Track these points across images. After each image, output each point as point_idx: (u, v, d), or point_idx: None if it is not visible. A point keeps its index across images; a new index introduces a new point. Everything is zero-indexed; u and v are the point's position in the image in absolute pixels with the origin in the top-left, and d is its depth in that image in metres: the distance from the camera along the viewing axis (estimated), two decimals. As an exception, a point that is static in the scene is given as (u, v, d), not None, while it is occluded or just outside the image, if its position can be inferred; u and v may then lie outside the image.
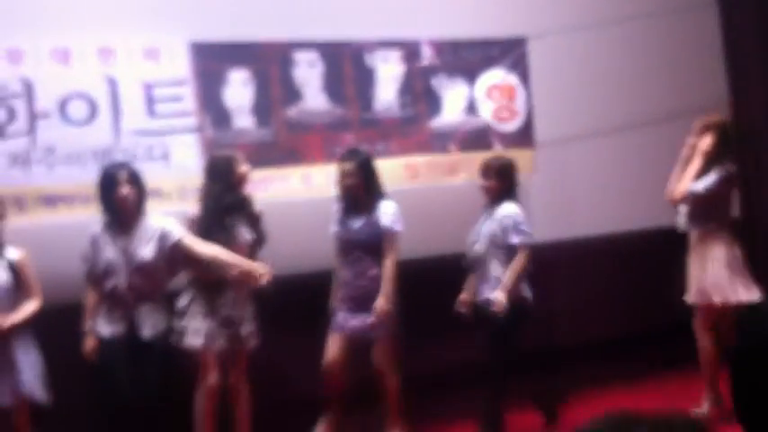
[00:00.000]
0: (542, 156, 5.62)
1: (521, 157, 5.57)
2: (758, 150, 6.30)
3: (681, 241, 4.93)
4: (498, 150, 5.55)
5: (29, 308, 4.22)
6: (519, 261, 4.68)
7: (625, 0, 6.12)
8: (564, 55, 5.90)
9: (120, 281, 4.22)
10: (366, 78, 5.35)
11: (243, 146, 4.96)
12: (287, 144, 5.09)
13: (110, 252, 4.22)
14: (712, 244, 4.78)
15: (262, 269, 4.26)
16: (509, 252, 4.71)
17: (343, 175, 4.72)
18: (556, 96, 5.79)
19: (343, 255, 4.76)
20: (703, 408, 4.82)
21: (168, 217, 4.37)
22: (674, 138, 5.99)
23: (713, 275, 4.75)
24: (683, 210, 4.87)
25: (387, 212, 4.71)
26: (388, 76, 5.41)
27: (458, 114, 5.56)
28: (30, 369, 4.18)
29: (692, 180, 4.74)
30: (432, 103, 5.50)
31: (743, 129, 6.12)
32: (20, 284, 4.23)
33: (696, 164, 4.77)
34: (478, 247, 4.77)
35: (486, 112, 5.62)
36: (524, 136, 5.69)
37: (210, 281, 4.40)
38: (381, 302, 4.62)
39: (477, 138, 5.55)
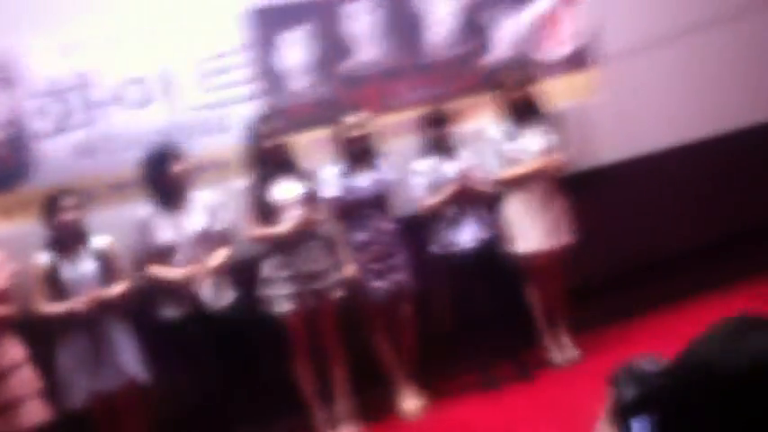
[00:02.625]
0: (605, 74, 5.47)
1: (574, 82, 5.51)
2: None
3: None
4: (551, 79, 5.42)
5: (118, 288, 4.26)
6: None
7: None
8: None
9: (181, 258, 4.29)
10: (415, 23, 5.24)
11: (301, 106, 4.98)
12: (345, 100, 5.02)
13: (165, 232, 4.30)
14: (551, 195, 4.91)
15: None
16: None
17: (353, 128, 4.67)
18: (611, 12, 5.59)
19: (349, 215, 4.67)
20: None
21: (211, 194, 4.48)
22: (737, 36, 5.80)
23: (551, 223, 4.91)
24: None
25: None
26: (436, 17, 5.28)
27: (507, 49, 5.40)
28: (129, 350, 4.25)
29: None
30: (481, 40, 5.36)
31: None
32: (109, 272, 4.28)
33: None
34: None
35: (534, 44, 5.46)
36: (575, 61, 5.51)
37: (285, 242, 4.40)
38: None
39: (530, 69, 5.30)
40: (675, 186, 5.63)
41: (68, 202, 4.23)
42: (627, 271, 5.34)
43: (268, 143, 4.49)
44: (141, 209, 4.37)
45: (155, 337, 4.32)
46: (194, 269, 4.27)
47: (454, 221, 4.79)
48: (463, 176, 4.73)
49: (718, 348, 1.15)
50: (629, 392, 1.54)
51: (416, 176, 4.81)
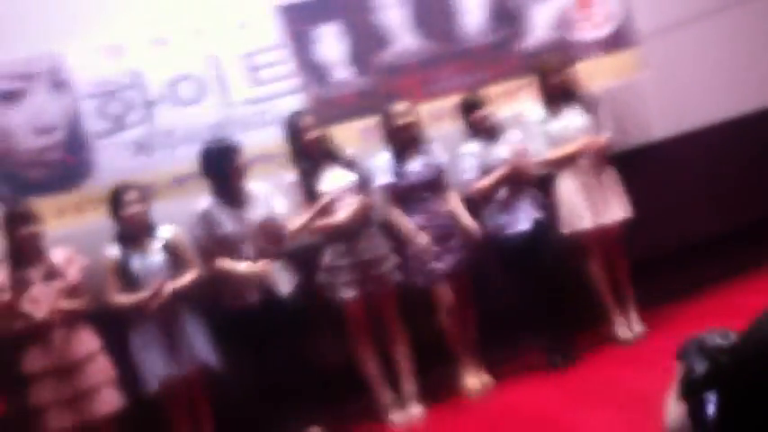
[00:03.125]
0: (648, 52, 5.56)
1: (620, 60, 5.58)
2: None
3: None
4: (591, 60, 5.51)
5: (187, 277, 4.42)
6: None
7: None
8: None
9: (246, 249, 4.42)
10: (453, 9, 5.37)
11: (346, 96, 5.14)
12: (386, 89, 5.16)
13: (228, 224, 4.41)
14: (600, 173, 4.99)
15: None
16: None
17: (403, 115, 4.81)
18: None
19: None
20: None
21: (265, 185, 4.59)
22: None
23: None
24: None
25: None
26: (471, 3, 5.40)
27: (547, 31, 5.53)
28: (199, 336, 4.41)
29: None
30: (520, 23, 5.48)
31: None
32: (177, 261, 4.45)
33: None
34: None
35: (576, 23, 5.55)
36: (619, 39, 5.59)
37: (342, 230, 4.54)
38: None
39: (569, 51, 5.39)
40: (727, 160, 5.68)
41: (131, 196, 4.41)
42: (686, 247, 5.39)
43: (307, 136, 4.62)
44: (202, 201, 4.47)
45: (222, 326, 4.47)
46: (261, 264, 4.39)
47: (507, 204, 4.88)
48: (514, 157, 4.83)
49: None
50: (699, 367, 1.53)
51: (465, 159, 4.91)
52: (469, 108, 4.97)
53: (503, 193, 4.89)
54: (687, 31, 5.73)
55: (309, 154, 4.62)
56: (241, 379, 4.47)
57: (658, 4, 5.68)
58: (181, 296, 4.37)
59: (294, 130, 4.65)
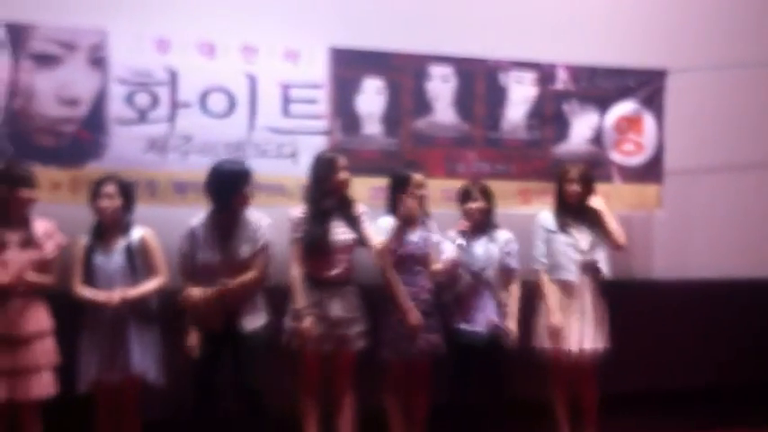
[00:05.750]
0: (668, 192, 5.59)
1: (644, 193, 5.57)
2: None
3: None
4: (617, 184, 5.51)
5: (148, 285, 4.34)
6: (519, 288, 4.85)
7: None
8: (701, 91, 5.83)
9: (219, 280, 4.31)
10: (497, 98, 5.38)
11: (368, 152, 5.12)
12: (410, 155, 5.17)
13: (208, 252, 4.34)
14: (591, 296, 4.92)
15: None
16: (505, 277, 4.84)
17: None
18: (688, 133, 5.73)
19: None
20: None
21: (264, 217, 4.51)
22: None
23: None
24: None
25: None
26: (519, 97, 5.42)
27: (582, 143, 5.53)
28: (143, 348, 4.31)
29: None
30: (559, 129, 5.48)
31: None
32: (140, 265, 4.36)
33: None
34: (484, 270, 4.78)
35: (611, 144, 5.56)
36: (649, 171, 5.58)
37: (319, 280, 4.50)
38: None
39: (598, 170, 5.41)
40: (720, 318, 5.69)
41: (110, 189, 4.34)
42: (655, 391, 5.40)
43: (338, 176, 4.58)
44: (195, 218, 4.43)
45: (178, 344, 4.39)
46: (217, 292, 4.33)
47: (465, 299, 4.78)
48: (452, 263, 4.74)
49: None
50: None
51: (444, 244, 4.82)
52: (464, 197, 4.91)
53: (465, 285, 4.78)
54: (709, 182, 5.87)
55: (333, 195, 4.57)
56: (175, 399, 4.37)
57: (688, 147, 5.74)
58: (134, 303, 4.29)
59: (327, 167, 4.59)
